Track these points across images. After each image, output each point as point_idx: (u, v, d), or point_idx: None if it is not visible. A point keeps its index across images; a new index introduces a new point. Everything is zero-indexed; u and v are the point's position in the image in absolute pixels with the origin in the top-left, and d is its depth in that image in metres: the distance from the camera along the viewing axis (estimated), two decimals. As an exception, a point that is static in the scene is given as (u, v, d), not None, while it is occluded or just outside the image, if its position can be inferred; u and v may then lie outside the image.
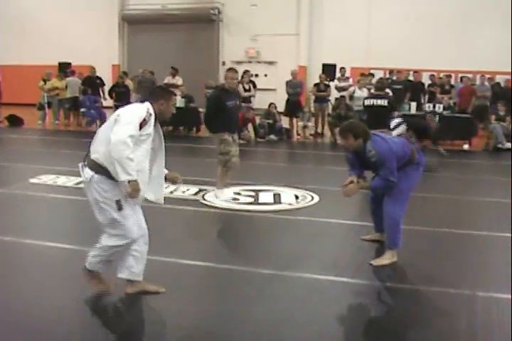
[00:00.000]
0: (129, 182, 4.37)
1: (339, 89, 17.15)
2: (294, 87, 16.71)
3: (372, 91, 13.58)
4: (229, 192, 8.86)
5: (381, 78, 17.64)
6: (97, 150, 4.51)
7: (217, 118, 8.55)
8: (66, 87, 18.98)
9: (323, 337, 4.37)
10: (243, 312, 4.82)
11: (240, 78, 18.23)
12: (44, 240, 6.51)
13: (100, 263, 4.82)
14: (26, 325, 4.46)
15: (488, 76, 18.13)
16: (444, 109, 15.58)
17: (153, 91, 4.95)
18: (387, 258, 6.01)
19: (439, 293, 5.24)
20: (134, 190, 4.41)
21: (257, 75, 22.74)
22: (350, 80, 17.56)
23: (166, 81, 18.72)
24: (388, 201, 5.99)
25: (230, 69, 8.98)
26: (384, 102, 10.85)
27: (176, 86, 18.38)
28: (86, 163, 4.57)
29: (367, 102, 11.06)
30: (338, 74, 18.21)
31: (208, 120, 8.85)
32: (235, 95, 8.79)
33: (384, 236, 6.33)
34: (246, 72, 17.85)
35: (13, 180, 10.01)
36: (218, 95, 8.79)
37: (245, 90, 16.95)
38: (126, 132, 4.32)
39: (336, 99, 16.91)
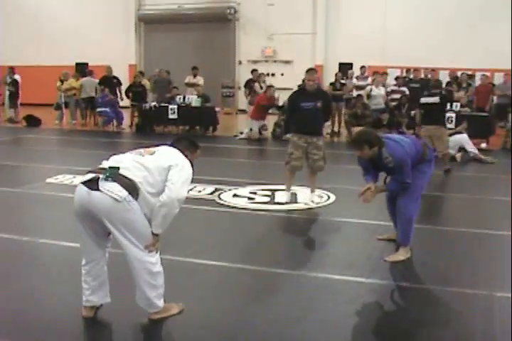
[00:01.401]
0: (157, 235, 4.32)
1: (358, 87, 17.06)
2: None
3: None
4: (283, 195, 8.65)
5: (398, 77, 17.62)
6: (136, 175, 4.22)
7: (292, 119, 8.47)
8: (81, 86, 19.06)
9: (339, 337, 4.35)
10: (257, 311, 4.80)
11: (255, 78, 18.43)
12: (60, 240, 6.52)
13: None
14: (41, 325, 4.48)
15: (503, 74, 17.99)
16: (462, 107, 15.46)
17: (192, 143, 4.80)
18: (401, 255, 6.04)
19: (455, 293, 5.20)
20: (156, 243, 4.35)
21: (273, 74, 22.73)
22: (369, 79, 17.46)
23: (187, 80, 18.78)
24: (402, 198, 6.01)
25: (308, 70, 8.62)
26: (436, 99, 11.16)
27: (197, 85, 18.43)
28: (111, 177, 4.18)
29: (422, 100, 11.38)
30: (357, 73, 18.10)
31: (285, 121, 8.72)
32: (314, 96, 8.37)
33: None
34: (255, 71, 18.05)
35: (30, 179, 10.05)
36: (293, 96, 8.70)
37: (261, 88, 17.14)
38: (183, 193, 4.27)
39: (349, 99, 16.79)
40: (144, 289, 4.37)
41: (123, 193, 4.10)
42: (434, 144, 10.73)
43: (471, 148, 12.85)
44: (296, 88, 11.56)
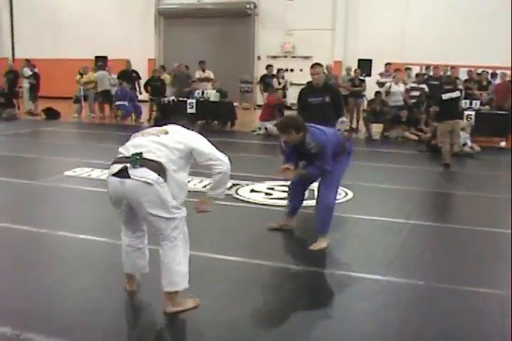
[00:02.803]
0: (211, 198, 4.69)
1: (380, 84, 16.97)
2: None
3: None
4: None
5: (417, 74, 17.53)
6: (159, 156, 4.38)
7: (302, 115, 8.46)
8: (96, 81, 19.15)
9: (356, 334, 4.34)
10: (274, 308, 4.81)
11: (274, 72, 18.44)
12: (77, 232, 6.57)
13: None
14: (62, 317, 4.52)
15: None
16: (481, 105, 15.37)
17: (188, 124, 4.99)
18: (324, 242, 6.31)
19: (471, 293, 5.17)
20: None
21: (292, 70, 22.68)
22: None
23: (197, 75, 18.78)
24: (322, 188, 6.28)
25: (313, 64, 8.60)
26: (457, 94, 11.80)
27: (209, 79, 18.43)
28: (138, 163, 4.32)
29: (445, 97, 11.58)
30: (381, 70, 17.99)
31: None
32: (323, 91, 8.40)
33: (290, 221, 6.97)
34: (270, 66, 18.14)
35: (48, 172, 10.11)
36: (301, 92, 8.69)
37: (279, 84, 17.19)
38: (222, 156, 4.53)
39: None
40: (170, 267, 4.53)
41: (153, 176, 4.29)
42: (451, 137, 11.38)
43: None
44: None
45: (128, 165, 4.34)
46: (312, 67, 8.48)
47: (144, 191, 4.30)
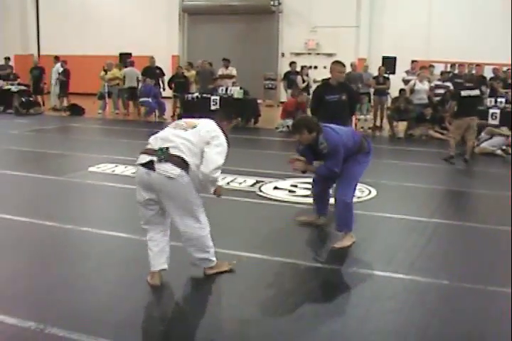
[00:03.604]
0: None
1: (406, 82, 16.86)
2: (354, 80, 16.56)
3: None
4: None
5: (442, 71, 17.40)
6: (183, 151, 4.78)
7: (319, 112, 8.49)
8: (124, 77, 19.20)
9: (379, 334, 4.32)
10: (296, 305, 4.80)
11: (297, 69, 18.40)
12: (101, 228, 6.61)
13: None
14: (85, 313, 4.56)
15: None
16: (507, 103, 15.21)
17: (227, 113, 5.50)
18: (348, 240, 6.26)
19: (497, 293, 5.13)
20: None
21: (316, 67, 22.60)
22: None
23: (220, 72, 18.79)
24: (340, 185, 6.26)
25: (335, 62, 8.52)
26: (477, 92, 11.88)
27: (230, 76, 18.44)
28: (163, 158, 4.75)
29: (463, 93, 11.71)
30: (405, 68, 17.88)
31: (312, 114, 8.72)
32: (339, 89, 8.36)
33: (321, 220, 6.97)
34: (293, 63, 18.13)
35: (73, 168, 10.18)
36: (318, 89, 8.67)
37: (304, 82, 17.16)
38: (219, 162, 4.83)
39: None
40: (195, 254, 5.08)
41: (176, 171, 4.72)
42: (465, 133, 11.61)
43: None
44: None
45: (155, 158, 4.75)
46: (337, 64, 8.39)
47: (166, 184, 4.74)
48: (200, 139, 4.83)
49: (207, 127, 4.95)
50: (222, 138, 4.92)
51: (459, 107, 11.73)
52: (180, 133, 4.87)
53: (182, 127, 4.96)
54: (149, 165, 4.78)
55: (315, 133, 5.94)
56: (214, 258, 5.20)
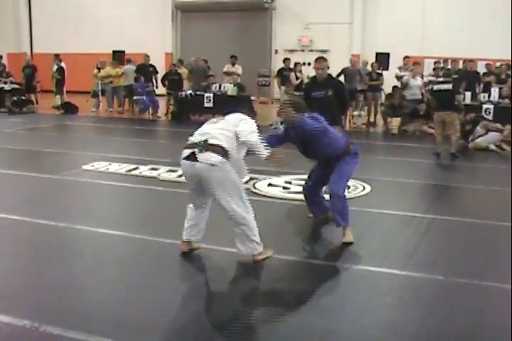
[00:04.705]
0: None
1: (399, 78, 16.87)
2: (352, 76, 16.54)
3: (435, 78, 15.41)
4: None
5: (435, 67, 17.39)
6: (221, 139, 5.30)
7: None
8: (122, 74, 19.17)
9: (374, 329, 4.32)
10: (292, 301, 4.81)
11: (291, 66, 18.36)
12: (95, 226, 6.60)
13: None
14: (81, 311, 4.54)
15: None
16: (500, 98, 15.22)
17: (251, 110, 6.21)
18: (350, 234, 6.27)
19: (492, 288, 5.13)
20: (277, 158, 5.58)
21: (309, 64, 22.55)
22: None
23: (225, 69, 18.80)
24: (332, 181, 6.33)
25: (316, 58, 8.46)
26: (449, 86, 11.87)
27: (235, 74, 18.43)
28: (203, 148, 5.24)
29: (435, 87, 12.13)
30: (400, 64, 17.88)
31: None
32: (325, 85, 8.28)
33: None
34: (287, 60, 18.12)
35: (66, 166, 10.15)
36: (306, 86, 8.66)
37: (297, 78, 17.13)
38: (253, 139, 5.38)
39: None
40: (242, 239, 5.43)
41: (217, 158, 5.21)
42: (446, 128, 11.78)
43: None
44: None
45: (196, 150, 5.26)
46: (316, 60, 8.33)
47: (210, 171, 5.21)
48: (231, 123, 5.42)
49: (234, 116, 5.55)
50: (249, 120, 5.52)
51: (435, 102, 12.12)
52: (214, 126, 5.47)
53: (213, 122, 5.59)
54: (192, 157, 5.27)
55: (301, 114, 6.09)
56: (261, 244, 5.51)
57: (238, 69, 18.70)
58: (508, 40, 19.29)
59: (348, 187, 8.58)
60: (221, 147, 5.25)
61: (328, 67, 8.59)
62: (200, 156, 5.23)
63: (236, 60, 18.88)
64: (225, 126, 5.41)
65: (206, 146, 5.24)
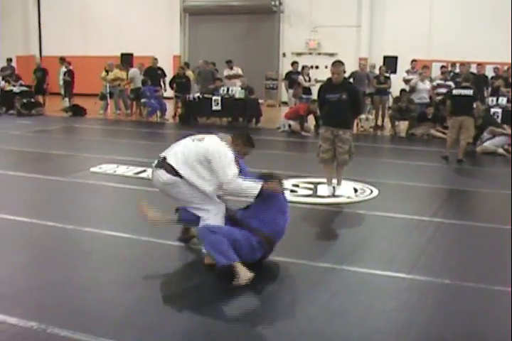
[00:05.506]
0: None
1: (407, 81, 16.85)
2: (361, 79, 16.53)
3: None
4: (325, 188, 8.65)
5: (443, 71, 17.36)
6: (176, 161, 5.49)
7: (321, 112, 8.52)
8: (129, 82, 19.24)
9: (380, 333, 4.32)
10: (298, 305, 4.81)
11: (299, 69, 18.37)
12: (102, 228, 6.61)
13: None
14: (85, 312, 4.55)
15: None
16: (508, 102, 15.17)
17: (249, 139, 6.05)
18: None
19: (499, 292, 5.11)
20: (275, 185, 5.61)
21: (317, 67, 22.61)
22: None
23: (225, 73, 18.80)
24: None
25: (333, 62, 8.44)
26: (470, 92, 11.76)
27: (237, 76, 18.45)
28: (163, 166, 5.52)
29: (455, 92, 12.00)
30: (406, 67, 17.87)
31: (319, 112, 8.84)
32: (340, 88, 8.28)
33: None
34: (295, 63, 18.11)
35: (74, 168, 10.17)
36: (321, 87, 8.66)
37: (305, 81, 17.16)
38: (230, 173, 5.38)
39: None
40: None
41: (166, 177, 5.49)
42: (460, 133, 11.62)
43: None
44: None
45: (153, 164, 5.65)
46: (333, 65, 8.35)
47: (161, 187, 5.67)
48: (200, 152, 5.47)
49: (213, 142, 5.55)
50: (224, 153, 5.43)
51: (452, 106, 11.87)
52: (186, 143, 5.63)
53: (194, 139, 5.64)
54: (153, 171, 5.68)
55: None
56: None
57: (238, 70, 18.72)
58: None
59: (356, 191, 8.62)
60: (172, 167, 5.47)
61: (345, 71, 8.57)
62: (155, 171, 5.62)
63: (232, 63, 18.95)
64: (193, 149, 5.50)
65: (161, 164, 5.56)
